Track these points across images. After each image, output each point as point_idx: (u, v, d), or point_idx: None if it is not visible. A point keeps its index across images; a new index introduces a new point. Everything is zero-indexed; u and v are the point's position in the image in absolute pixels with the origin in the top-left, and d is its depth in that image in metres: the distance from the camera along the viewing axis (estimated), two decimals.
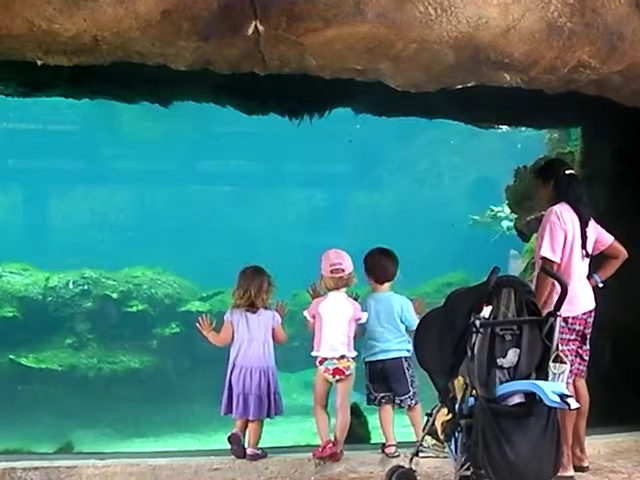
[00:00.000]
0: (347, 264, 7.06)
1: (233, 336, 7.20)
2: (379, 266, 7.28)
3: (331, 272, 7.02)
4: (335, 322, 7.00)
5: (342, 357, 6.97)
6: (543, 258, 6.79)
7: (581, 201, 7.00)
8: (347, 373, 6.99)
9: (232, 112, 9.19)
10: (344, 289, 7.10)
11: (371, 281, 7.33)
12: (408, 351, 7.07)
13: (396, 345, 7.08)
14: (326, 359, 6.99)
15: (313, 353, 7.06)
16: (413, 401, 7.16)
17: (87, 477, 6.75)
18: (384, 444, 7.19)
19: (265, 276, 7.24)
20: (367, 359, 7.22)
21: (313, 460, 6.98)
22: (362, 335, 7.25)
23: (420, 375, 6.85)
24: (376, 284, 7.30)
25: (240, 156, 29.22)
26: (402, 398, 7.19)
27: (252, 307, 7.16)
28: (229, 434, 7.17)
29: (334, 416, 7.12)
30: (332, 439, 7.02)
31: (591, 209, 7.06)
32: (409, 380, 7.15)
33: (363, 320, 7.12)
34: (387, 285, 7.31)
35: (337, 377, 6.99)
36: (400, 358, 7.10)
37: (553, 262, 6.77)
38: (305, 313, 7.15)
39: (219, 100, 8.91)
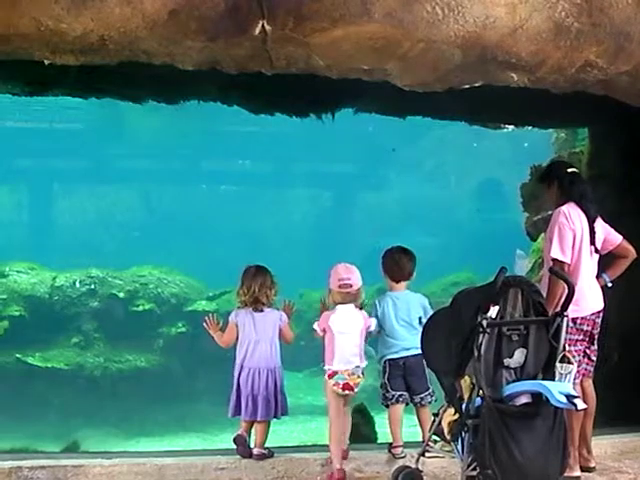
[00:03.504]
0: (355, 279, 6.93)
1: (237, 337, 7.20)
2: (397, 265, 7.24)
3: (339, 287, 6.91)
4: (347, 335, 6.88)
5: (353, 373, 6.82)
6: (554, 259, 6.78)
7: (586, 198, 6.99)
8: (355, 390, 6.88)
9: (239, 111, 9.19)
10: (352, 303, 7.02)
11: (388, 279, 7.29)
12: None
13: (416, 342, 6.86)
14: (336, 373, 6.85)
15: (326, 367, 6.91)
16: (433, 398, 7.15)
17: (93, 476, 6.76)
18: (391, 444, 7.17)
19: (268, 274, 7.24)
20: (387, 357, 7.17)
21: (319, 460, 6.97)
22: (377, 333, 7.23)
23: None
24: (392, 282, 7.27)
25: (247, 156, 29.28)
26: (422, 396, 7.17)
27: (257, 304, 7.15)
28: (234, 435, 7.16)
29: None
30: (342, 466, 6.78)
31: (598, 206, 7.05)
32: (428, 378, 7.14)
33: (372, 328, 7.07)
34: (404, 284, 7.28)
35: (346, 392, 6.85)
36: (420, 355, 6.91)
37: (563, 263, 6.76)
38: (315, 326, 6.99)
39: (226, 100, 8.91)
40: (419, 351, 6.70)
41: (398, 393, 7.15)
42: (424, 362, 6.93)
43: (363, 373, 6.90)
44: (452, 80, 6.98)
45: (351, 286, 6.89)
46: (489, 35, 6.41)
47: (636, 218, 8.41)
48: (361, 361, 6.92)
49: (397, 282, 7.27)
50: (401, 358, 7.13)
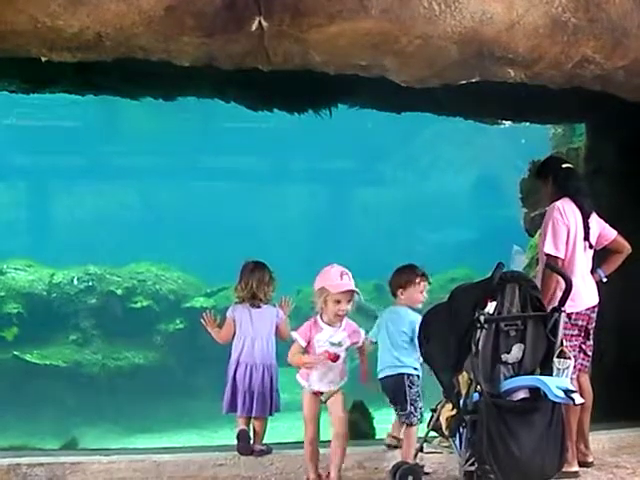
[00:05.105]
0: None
1: (234, 333, 7.19)
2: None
3: None
4: None
5: None
6: (547, 255, 6.78)
7: (581, 193, 7.01)
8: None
9: (237, 108, 9.17)
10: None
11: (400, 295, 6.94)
12: (415, 369, 6.61)
13: (401, 361, 6.62)
14: None
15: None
16: (408, 420, 6.61)
17: (92, 473, 6.76)
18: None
19: (266, 270, 7.23)
20: (378, 376, 6.78)
21: None
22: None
23: (425, 374, 6.73)
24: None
25: (245, 152, 29.21)
26: (402, 414, 6.68)
27: (254, 300, 7.13)
28: (238, 430, 7.07)
29: None
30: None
31: (593, 202, 7.06)
32: (409, 399, 6.59)
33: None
34: None
35: None
36: (402, 375, 6.61)
37: (557, 258, 6.77)
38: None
39: (223, 96, 8.90)
40: (401, 370, 6.54)
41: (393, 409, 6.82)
42: (404, 382, 6.59)
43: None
44: (449, 76, 6.99)
45: None
46: (486, 31, 6.42)
47: (634, 213, 8.42)
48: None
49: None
50: (384, 378, 6.72)
